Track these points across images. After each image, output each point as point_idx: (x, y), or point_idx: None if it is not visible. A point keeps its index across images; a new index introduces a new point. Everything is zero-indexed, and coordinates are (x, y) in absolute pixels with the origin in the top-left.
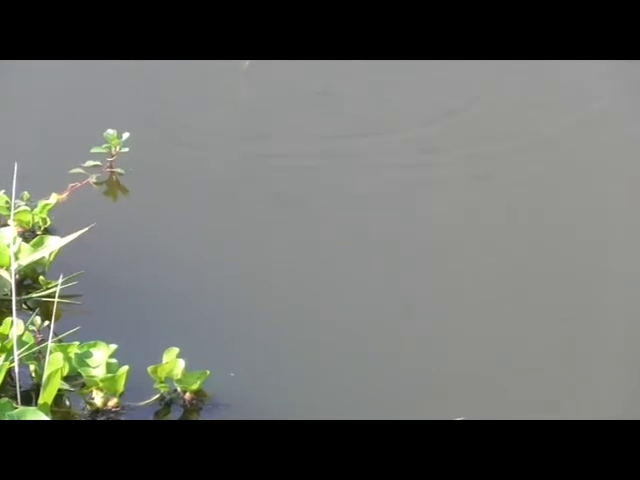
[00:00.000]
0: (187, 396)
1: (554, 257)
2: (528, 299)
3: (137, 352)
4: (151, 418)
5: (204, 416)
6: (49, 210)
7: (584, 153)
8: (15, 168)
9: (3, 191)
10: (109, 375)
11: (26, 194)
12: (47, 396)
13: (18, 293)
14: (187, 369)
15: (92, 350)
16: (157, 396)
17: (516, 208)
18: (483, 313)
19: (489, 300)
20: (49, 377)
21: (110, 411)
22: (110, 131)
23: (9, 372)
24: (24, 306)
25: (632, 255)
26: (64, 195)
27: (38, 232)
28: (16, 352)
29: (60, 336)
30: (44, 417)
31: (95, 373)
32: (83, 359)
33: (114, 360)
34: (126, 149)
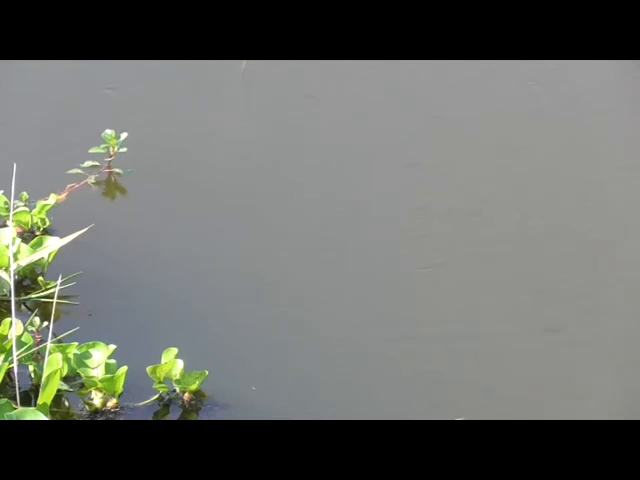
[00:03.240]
0: (186, 396)
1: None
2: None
3: (136, 352)
4: (150, 418)
5: (203, 416)
6: (48, 211)
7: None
8: (14, 168)
9: (2, 192)
10: (108, 375)
11: (25, 195)
12: (46, 397)
13: (17, 294)
14: (186, 369)
15: (91, 351)
16: (156, 396)
17: (517, 211)
18: (482, 313)
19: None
20: (48, 378)
21: (109, 411)
22: (108, 131)
23: (8, 373)
24: (23, 307)
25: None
26: (63, 196)
27: (37, 233)
28: (15, 353)
29: (59, 337)
30: (43, 417)
31: (94, 373)
32: (82, 360)
33: (113, 360)
34: (124, 149)
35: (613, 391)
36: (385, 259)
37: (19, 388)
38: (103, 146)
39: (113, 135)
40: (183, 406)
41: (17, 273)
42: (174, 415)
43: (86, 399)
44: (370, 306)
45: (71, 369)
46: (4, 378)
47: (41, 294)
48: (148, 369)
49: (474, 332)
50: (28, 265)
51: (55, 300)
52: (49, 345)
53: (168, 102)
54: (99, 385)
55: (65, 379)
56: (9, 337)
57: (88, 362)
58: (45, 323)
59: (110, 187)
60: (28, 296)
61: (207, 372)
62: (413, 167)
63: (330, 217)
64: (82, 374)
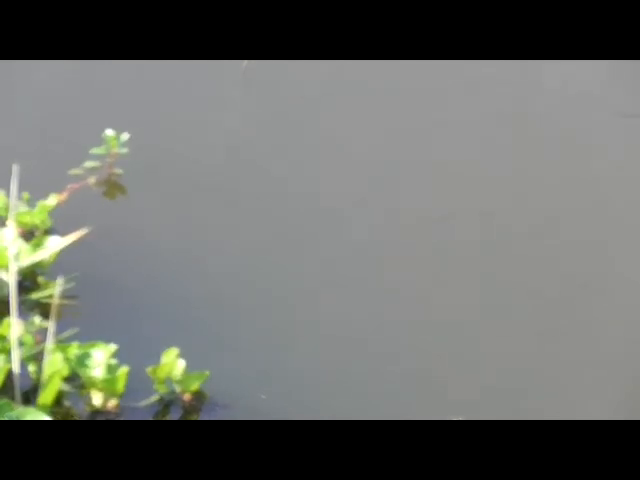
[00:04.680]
0: (186, 397)
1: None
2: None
3: (137, 353)
4: (150, 418)
5: (203, 417)
6: (49, 211)
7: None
8: (14, 169)
9: (3, 192)
10: (109, 376)
11: (26, 195)
12: (47, 397)
13: (18, 294)
14: (186, 370)
15: (91, 351)
16: (156, 397)
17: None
18: (482, 314)
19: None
20: (49, 378)
21: (109, 412)
22: (109, 132)
23: (9, 373)
24: (23, 307)
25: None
26: (64, 196)
27: (38, 233)
28: (16, 353)
29: (60, 337)
30: (44, 417)
31: (95, 374)
32: (82, 360)
33: (114, 361)
34: (125, 150)
35: (613, 392)
36: (384, 259)
37: (19, 388)
38: (104, 147)
39: (114, 135)
40: (183, 406)
41: (18, 273)
42: (174, 415)
43: (87, 399)
44: (371, 306)
45: (72, 369)
46: (4, 378)
47: (42, 294)
48: (148, 369)
49: (473, 333)
50: (29, 265)
51: (56, 300)
52: (50, 345)
53: (168, 102)
54: (100, 385)
55: (66, 379)
56: (9, 337)
57: (89, 362)
58: (45, 323)
59: (111, 187)
60: (29, 296)
61: (208, 372)
62: (413, 168)
63: (331, 217)
64: (83, 374)
